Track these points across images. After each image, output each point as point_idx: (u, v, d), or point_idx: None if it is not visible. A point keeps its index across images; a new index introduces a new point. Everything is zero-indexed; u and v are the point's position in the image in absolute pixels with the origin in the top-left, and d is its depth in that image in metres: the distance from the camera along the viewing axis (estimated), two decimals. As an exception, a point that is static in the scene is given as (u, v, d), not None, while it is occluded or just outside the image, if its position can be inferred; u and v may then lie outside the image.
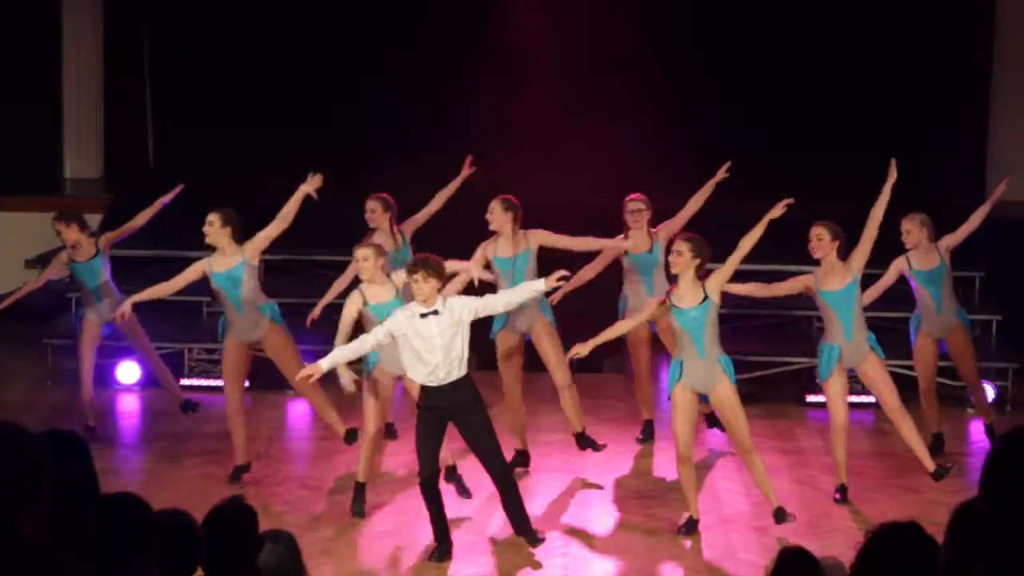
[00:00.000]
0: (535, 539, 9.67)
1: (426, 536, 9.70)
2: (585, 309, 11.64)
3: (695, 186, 11.71)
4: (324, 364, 9.43)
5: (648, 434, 11.92)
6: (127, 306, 10.88)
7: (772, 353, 12.99)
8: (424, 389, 9.48)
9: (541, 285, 9.59)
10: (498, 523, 10.06)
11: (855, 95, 17.06)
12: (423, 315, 9.34)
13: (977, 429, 12.44)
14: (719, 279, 9.89)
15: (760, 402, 12.75)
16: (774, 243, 13.09)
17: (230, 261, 10.71)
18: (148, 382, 12.98)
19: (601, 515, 10.41)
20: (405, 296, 9.97)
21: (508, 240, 10.93)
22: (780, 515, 9.88)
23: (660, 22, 16.98)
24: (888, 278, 11.29)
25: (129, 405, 12.84)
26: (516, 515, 9.69)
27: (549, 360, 11.03)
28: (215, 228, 10.69)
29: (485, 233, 10.98)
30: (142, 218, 11.83)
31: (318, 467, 11.27)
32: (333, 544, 9.80)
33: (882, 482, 11.06)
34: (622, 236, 11.43)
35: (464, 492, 10.61)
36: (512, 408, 11.15)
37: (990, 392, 12.72)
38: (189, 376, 13.15)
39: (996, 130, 16.19)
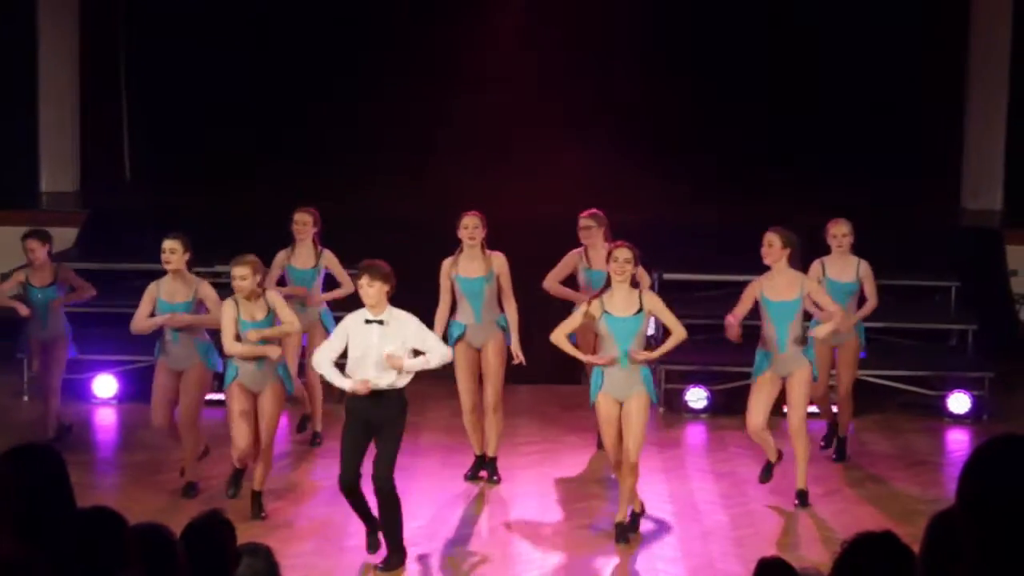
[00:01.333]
0: (396, 563, 9.48)
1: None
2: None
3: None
4: (347, 385, 9.41)
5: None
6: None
7: (748, 364, 13.00)
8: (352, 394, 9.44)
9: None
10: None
11: (834, 99, 17.05)
12: (367, 321, 9.34)
13: (953, 439, 12.48)
14: (658, 304, 9.90)
15: (737, 413, 12.74)
16: (726, 252, 13.08)
17: (181, 294, 10.68)
18: (125, 396, 12.95)
19: (578, 528, 10.38)
20: (276, 318, 10.16)
21: (476, 260, 10.88)
22: (621, 530, 9.96)
23: (631, 33, 17.00)
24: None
25: (105, 419, 12.80)
26: (391, 531, 9.47)
27: (488, 378, 11.07)
28: (178, 256, 10.65)
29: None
30: (89, 291, 11.79)
31: (295, 479, 11.24)
32: (311, 558, 9.76)
33: (858, 491, 11.06)
34: (580, 251, 11.47)
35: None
36: (468, 418, 11.14)
37: (967, 402, 12.76)
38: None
39: (970, 132, 16.23)
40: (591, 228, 11.46)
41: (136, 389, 12.92)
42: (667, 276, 13.68)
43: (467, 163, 15.92)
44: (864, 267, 11.37)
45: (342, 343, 9.48)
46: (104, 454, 12.06)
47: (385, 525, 9.49)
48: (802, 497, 10.64)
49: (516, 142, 16.23)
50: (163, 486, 11.04)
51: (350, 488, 9.44)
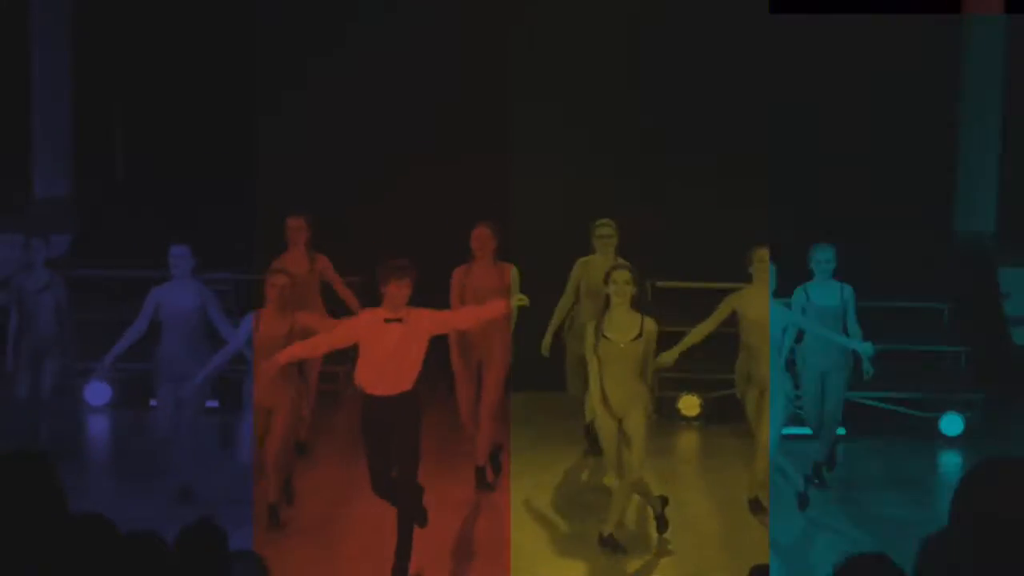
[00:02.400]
0: None
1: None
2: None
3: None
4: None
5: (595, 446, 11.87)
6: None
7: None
8: (366, 399, 9.27)
9: None
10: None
11: (828, 120, 17.02)
12: (388, 320, 9.18)
13: (946, 460, 12.49)
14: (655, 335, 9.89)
15: (728, 421, 12.74)
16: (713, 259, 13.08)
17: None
18: (118, 402, 12.95)
19: (568, 533, 10.41)
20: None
21: (488, 269, 10.97)
22: (610, 541, 10.00)
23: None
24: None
25: (98, 425, 12.79)
26: (401, 552, 9.29)
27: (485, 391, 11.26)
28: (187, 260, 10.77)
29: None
30: None
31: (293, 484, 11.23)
32: (303, 565, 9.75)
33: (850, 512, 11.07)
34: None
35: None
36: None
37: (960, 423, 12.76)
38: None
39: (963, 153, 16.27)
40: (610, 236, 11.45)
41: (128, 395, 12.93)
42: (659, 284, 13.72)
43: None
44: (848, 291, 11.23)
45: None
46: (97, 460, 12.05)
47: (400, 546, 9.30)
48: (754, 505, 10.72)
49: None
50: (156, 493, 11.04)
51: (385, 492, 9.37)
